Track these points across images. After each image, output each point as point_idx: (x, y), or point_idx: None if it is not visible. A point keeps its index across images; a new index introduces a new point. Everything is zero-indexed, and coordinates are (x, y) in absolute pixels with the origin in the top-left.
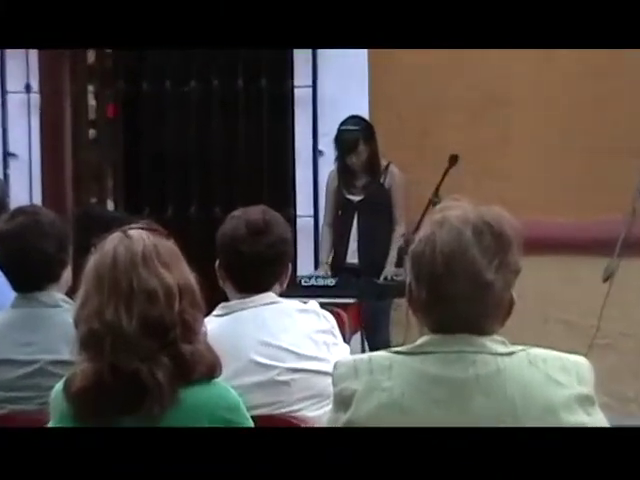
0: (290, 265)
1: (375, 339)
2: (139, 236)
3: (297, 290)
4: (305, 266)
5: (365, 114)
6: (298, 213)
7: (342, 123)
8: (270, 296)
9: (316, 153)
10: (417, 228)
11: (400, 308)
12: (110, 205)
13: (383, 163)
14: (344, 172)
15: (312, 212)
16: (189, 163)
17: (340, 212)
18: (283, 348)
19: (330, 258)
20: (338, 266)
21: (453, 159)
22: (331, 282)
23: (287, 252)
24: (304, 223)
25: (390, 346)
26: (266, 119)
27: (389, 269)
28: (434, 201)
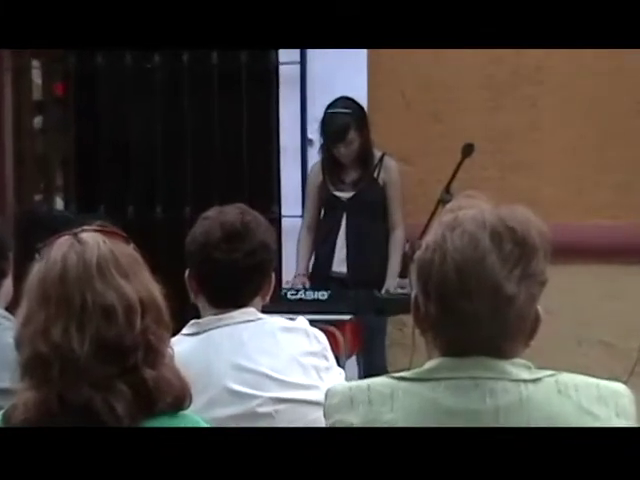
0: (274, 275)
1: (371, 362)
2: (94, 241)
3: (282, 305)
4: (292, 276)
5: (363, 95)
6: (284, 213)
7: (329, 106)
8: (250, 312)
9: (305, 142)
10: (424, 232)
11: (405, 326)
12: (59, 204)
13: (377, 154)
14: (330, 164)
15: (300, 212)
16: (154, 153)
17: (324, 212)
18: (265, 374)
19: (310, 268)
20: (322, 276)
21: (468, 149)
22: (323, 295)
23: (270, 260)
24: (291, 225)
25: (387, 370)
26: (246, 102)
27: (391, 280)
28: (445, 199)
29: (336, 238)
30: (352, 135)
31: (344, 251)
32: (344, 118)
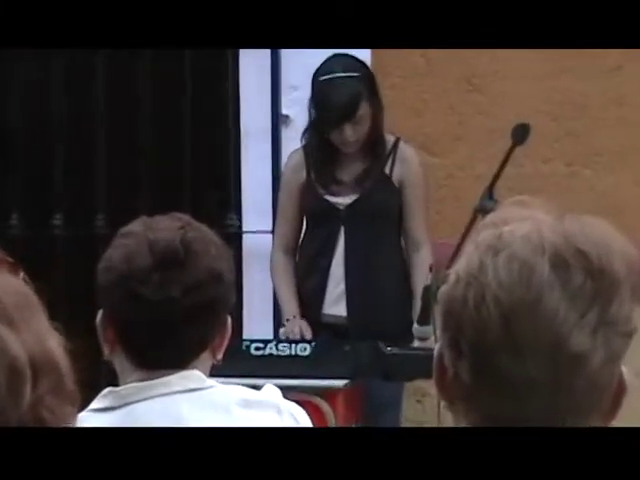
0: (229, 320)
1: None
2: None
3: (243, 364)
4: (258, 321)
5: (365, 54)
6: (246, 227)
7: (322, 69)
8: (193, 376)
9: (278, 121)
10: (455, 255)
11: (427, 397)
12: None
13: (389, 139)
14: (322, 154)
15: (271, 225)
16: (49, 141)
17: (311, 226)
18: None
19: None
20: (310, 321)
21: (521, 132)
22: (304, 349)
23: (224, 297)
24: (256, 244)
25: None
26: (189, 64)
27: (399, 325)
28: (485, 207)
29: (329, 266)
30: (364, 109)
31: (342, 285)
32: (351, 85)
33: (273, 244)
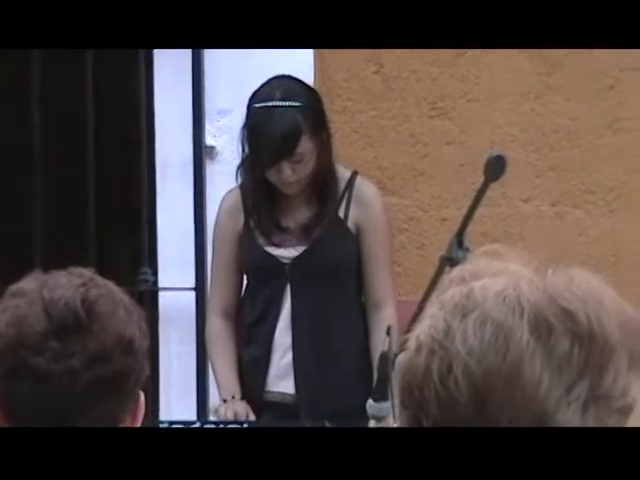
0: (142, 397)
1: None
2: None
3: None
4: (178, 398)
5: (307, 71)
6: (162, 282)
7: (258, 94)
8: None
9: (201, 154)
10: (417, 316)
11: None
12: None
13: (343, 174)
14: (262, 197)
15: (194, 281)
16: None
17: (251, 284)
18: None
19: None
20: (249, 399)
21: (496, 165)
22: None
23: (134, 369)
24: (176, 303)
25: None
26: (92, 80)
27: (357, 403)
28: (454, 257)
29: (273, 333)
30: (305, 146)
31: (288, 356)
32: (291, 116)
33: (207, 307)
